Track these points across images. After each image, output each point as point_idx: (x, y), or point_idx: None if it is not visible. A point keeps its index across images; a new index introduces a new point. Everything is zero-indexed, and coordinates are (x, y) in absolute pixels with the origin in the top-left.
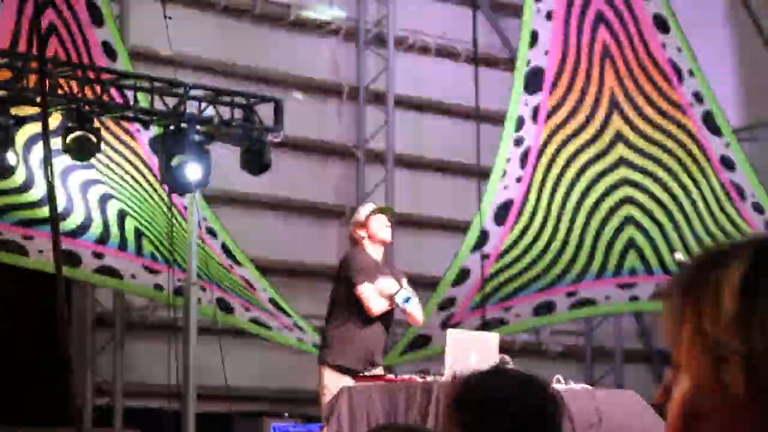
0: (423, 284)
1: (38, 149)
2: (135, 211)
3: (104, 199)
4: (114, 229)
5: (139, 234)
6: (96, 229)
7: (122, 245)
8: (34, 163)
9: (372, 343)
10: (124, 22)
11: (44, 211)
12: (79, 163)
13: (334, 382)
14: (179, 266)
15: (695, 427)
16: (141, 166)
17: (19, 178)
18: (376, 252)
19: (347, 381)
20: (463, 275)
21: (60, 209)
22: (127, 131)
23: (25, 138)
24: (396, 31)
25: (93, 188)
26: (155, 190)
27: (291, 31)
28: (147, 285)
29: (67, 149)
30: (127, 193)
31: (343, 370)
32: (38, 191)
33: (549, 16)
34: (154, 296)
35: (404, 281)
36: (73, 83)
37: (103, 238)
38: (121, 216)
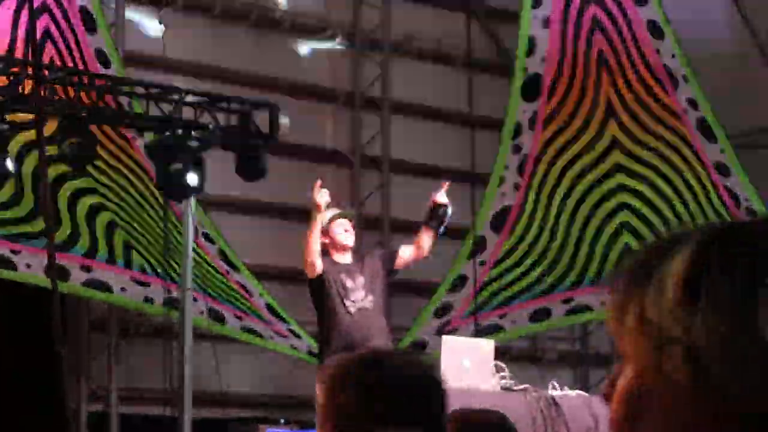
0: (419, 290)
1: (30, 159)
2: (126, 222)
3: (94, 211)
4: (102, 242)
5: (128, 246)
6: (84, 242)
7: (111, 258)
8: (26, 174)
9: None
10: (119, 28)
11: (32, 226)
12: (73, 170)
13: None
14: (171, 278)
15: (637, 415)
16: (138, 171)
17: (8, 190)
18: (343, 257)
19: None
20: (460, 282)
21: None
22: (123, 137)
23: (17, 147)
24: (392, 37)
25: (83, 199)
26: (152, 194)
27: (287, 37)
28: (136, 298)
29: (62, 156)
30: (122, 202)
31: None
32: (27, 205)
33: (546, 22)
34: (144, 309)
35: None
36: (69, 89)
37: (91, 252)
38: (110, 228)
